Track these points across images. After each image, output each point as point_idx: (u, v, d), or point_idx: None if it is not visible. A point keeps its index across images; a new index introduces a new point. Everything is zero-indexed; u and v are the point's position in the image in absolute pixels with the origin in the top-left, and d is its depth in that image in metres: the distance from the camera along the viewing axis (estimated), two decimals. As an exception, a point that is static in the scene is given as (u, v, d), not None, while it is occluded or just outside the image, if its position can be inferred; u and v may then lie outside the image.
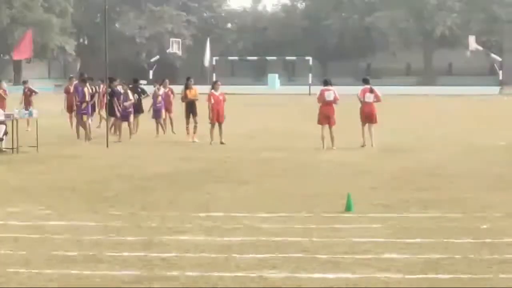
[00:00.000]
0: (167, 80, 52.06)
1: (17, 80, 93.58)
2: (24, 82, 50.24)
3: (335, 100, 39.79)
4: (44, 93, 53.59)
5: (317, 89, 55.52)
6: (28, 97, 49.13)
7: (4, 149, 34.19)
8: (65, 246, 16.88)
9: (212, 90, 42.40)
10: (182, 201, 23.51)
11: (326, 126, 39.50)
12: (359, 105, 41.13)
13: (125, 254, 16.23)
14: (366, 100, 40.74)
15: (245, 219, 21.09)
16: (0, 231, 18.43)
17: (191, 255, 16.50)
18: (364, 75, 69.21)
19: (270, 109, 58.48)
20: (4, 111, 37.84)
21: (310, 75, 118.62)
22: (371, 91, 40.89)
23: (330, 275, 14.79)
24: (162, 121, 47.06)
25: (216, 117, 41.98)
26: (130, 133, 43.12)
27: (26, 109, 41.43)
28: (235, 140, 41.93)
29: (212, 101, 41.14)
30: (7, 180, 27.14)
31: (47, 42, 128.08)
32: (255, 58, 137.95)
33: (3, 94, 44.62)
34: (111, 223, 19.88)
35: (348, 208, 21.80)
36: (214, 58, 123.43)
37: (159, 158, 34.66)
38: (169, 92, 50.26)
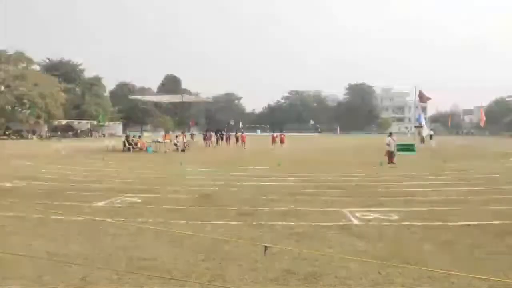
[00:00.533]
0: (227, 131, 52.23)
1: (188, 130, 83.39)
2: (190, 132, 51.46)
3: (277, 136, 42.17)
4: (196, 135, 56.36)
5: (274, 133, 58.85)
6: (192, 136, 49.14)
7: (184, 149, 35.77)
8: (207, 182, 15.81)
9: (240, 133, 44.09)
10: (243, 163, 23.30)
11: (274, 144, 40.53)
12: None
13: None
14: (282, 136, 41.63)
15: (253, 169, 19.93)
16: (189, 179, 16.61)
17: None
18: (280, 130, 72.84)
19: (258, 139, 59.12)
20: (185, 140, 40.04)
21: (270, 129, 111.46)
22: (282, 133, 42.84)
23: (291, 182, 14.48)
24: (232, 143, 46.44)
25: (243, 140, 42.79)
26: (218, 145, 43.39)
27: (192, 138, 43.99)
28: (251, 147, 40.91)
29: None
30: (186, 158, 28.18)
31: (199, 120, 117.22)
32: (253, 125, 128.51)
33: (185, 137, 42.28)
34: (234, 174, 18.27)
35: (278, 164, 21.19)
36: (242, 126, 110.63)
37: (238, 152, 34.70)
38: (229, 135, 48.84)
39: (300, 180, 15.94)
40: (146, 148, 34.45)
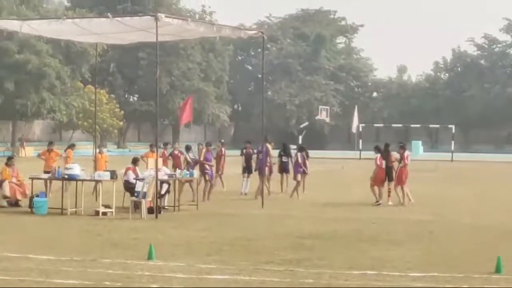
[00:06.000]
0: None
1: (174, 142, 51.31)
2: (188, 148, 22.93)
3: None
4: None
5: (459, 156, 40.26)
6: (178, 159, 24.51)
7: (166, 207, 20.58)
8: None
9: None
10: (336, 259, 12.04)
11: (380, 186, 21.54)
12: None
13: None
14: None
15: (397, 278, 10.59)
16: (168, 283, 10.05)
17: None
18: (505, 143, 53.90)
19: (415, 175, 28.13)
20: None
21: (453, 142, 65.17)
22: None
23: None
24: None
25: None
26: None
27: (174, 170, 22.90)
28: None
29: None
30: (170, 236, 15.37)
31: (204, 108, 79.67)
32: (399, 125, 77.52)
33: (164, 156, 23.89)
34: (269, 278, 10.49)
35: (497, 270, 10.95)
36: (361, 125, 70.72)
37: (313, 217, 18.98)
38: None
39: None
40: (31, 200, 19.14)
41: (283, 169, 24.93)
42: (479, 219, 18.69)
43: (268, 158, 24.40)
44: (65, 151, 26.31)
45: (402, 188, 21.64)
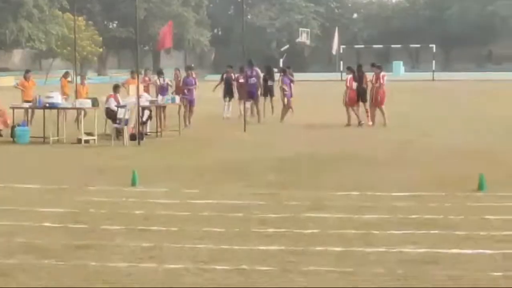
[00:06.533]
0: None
1: (155, 69, 43.69)
2: (159, 73, 22.87)
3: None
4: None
5: (440, 75, 39.25)
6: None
7: (148, 133, 20.36)
8: (213, 223, 9.07)
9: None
10: (320, 181, 12.12)
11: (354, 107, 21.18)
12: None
13: (270, 230, 8.72)
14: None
15: (380, 198, 10.57)
16: (153, 209, 9.86)
17: (333, 231, 8.70)
18: (486, 61, 50.79)
19: (396, 96, 29.49)
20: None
21: (434, 62, 66.28)
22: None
23: (468, 251, 8.04)
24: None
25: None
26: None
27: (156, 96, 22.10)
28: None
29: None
30: (153, 162, 15.12)
31: (184, 34, 78.06)
32: (380, 46, 75.26)
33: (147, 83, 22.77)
34: (254, 201, 10.30)
35: (480, 188, 10.94)
36: (342, 47, 71.14)
37: (296, 139, 18.88)
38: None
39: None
40: (13, 130, 18.83)
41: (268, 92, 24.48)
42: (461, 139, 18.33)
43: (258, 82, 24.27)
44: (60, 79, 25.75)
45: (381, 109, 21.24)
